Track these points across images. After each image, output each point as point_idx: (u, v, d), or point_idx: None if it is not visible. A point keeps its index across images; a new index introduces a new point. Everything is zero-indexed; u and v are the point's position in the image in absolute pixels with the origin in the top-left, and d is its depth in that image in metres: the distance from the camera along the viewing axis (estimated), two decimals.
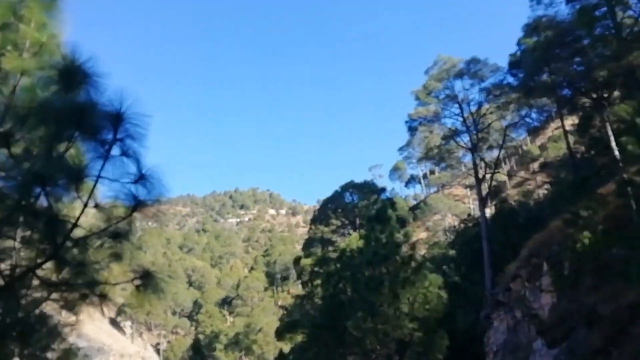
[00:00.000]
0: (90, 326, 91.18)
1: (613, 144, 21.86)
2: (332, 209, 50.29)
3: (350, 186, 50.21)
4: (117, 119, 4.70)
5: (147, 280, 6.61)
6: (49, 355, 10.83)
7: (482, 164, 37.05)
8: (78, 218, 5.33)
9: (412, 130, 41.52)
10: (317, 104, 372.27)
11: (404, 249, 20.05)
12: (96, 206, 5.65)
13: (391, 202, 30.59)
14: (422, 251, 44.76)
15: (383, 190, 50.46)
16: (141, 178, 5.03)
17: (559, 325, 23.01)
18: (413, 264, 20.03)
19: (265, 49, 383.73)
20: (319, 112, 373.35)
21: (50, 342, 10.65)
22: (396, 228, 19.98)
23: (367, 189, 48.47)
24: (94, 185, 5.07)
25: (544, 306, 25.59)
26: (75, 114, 4.70)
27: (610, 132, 22.36)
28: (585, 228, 20.57)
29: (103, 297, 7.38)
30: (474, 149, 36.36)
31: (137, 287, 6.65)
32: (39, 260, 5.88)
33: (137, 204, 5.18)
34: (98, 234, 5.99)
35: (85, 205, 5.22)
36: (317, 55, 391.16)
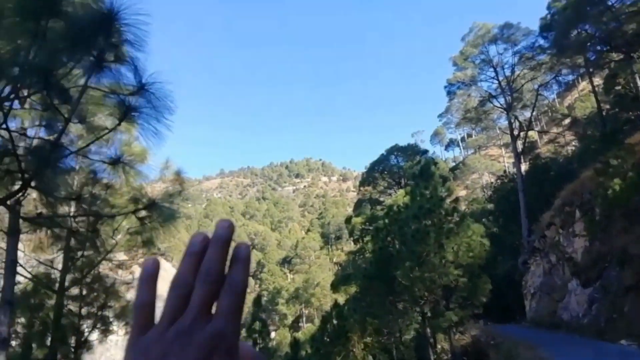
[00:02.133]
0: (166, 288, 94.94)
1: None
2: (379, 171, 49.91)
3: (395, 149, 49.38)
4: (109, 19, 3.27)
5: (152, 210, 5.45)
6: (107, 313, 10.68)
7: (517, 123, 36.40)
8: (59, 137, 4.02)
9: (450, 94, 41.05)
10: (364, 77, 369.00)
11: (447, 202, 19.97)
12: (81, 121, 4.33)
13: (433, 161, 30.47)
14: (462, 207, 44.62)
15: (425, 152, 50.06)
16: (141, 89, 3.65)
17: (592, 266, 22.80)
18: (456, 215, 19.98)
19: (310, 20, 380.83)
20: (366, 84, 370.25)
21: (108, 300, 10.44)
22: (439, 183, 19.84)
23: (411, 151, 47.65)
24: (79, 96, 3.68)
25: (577, 250, 25.33)
26: (48, 3, 3.21)
27: (639, 84, 21.47)
28: (616, 175, 20.19)
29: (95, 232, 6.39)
30: (508, 109, 35.67)
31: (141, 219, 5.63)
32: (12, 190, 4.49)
33: (127, 110, 3.78)
34: (82, 154, 4.55)
35: (68, 121, 3.86)
36: (362, 27, 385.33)
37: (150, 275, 0.52)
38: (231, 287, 0.49)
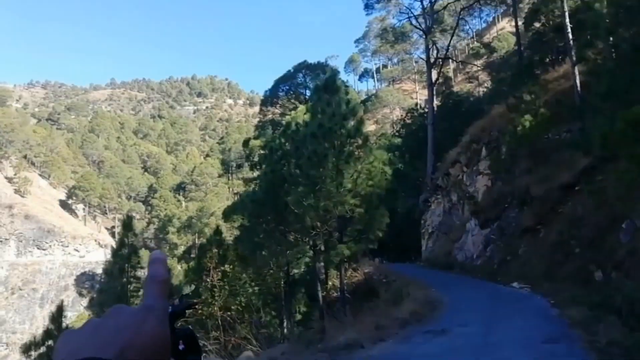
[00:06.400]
0: (39, 207, 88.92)
1: (568, 23, 20.27)
2: (284, 90, 47.53)
3: (303, 66, 47.20)
4: None
5: None
6: None
7: (434, 51, 35.67)
8: None
9: (369, 8, 39.09)
10: None
11: (351, 123, 18.60)
12: None
13: (345, 85, 28.64)
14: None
15: (337, 72, 48.47)
16: None
17: (492, 206, 22.96)
18: (359, 139, 18.75)
19: None
20: (282, 5, 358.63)
21: None
22: (344, 100, 18.38)
23: (321, 70, 44.69)
24: None
25: (479, 189, 25.53)
26: None
27: (566, 12, 20.68)
28: (527, 112, 19.95)
29: None
30: (427, 32, 34.74)
31: None
32: None
33: None
34: None
35: None
36: None
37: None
38: (153, 278, 0.66)
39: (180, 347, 5.44)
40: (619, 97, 9.28)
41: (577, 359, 7.63)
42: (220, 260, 22.78)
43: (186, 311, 6.02)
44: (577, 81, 18.24)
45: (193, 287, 21.23)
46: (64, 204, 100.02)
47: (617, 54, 10.26)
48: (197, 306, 8.57)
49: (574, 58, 18.52)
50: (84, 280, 77.19)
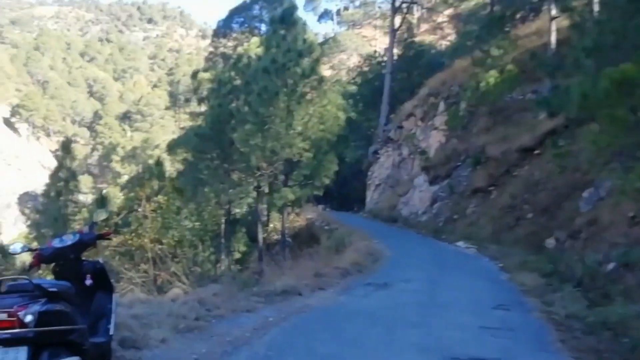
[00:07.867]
0: None
1: None
2: (238, 22, 45.08)
3: None
4: None
5: None
6: None
7: None
8: None
9: None
10: None
11: (307, 61, 17.27)
12: None
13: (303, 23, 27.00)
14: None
15: (295, 5, 45.97)
16: None
17: (444, 163, 22.31)
18: (314, 79, 17.46)
19: None
20: None
21: None
22: (301, 36, 17.02)
23: (278, 3, 42.75)
24: None
25: (432, 145, 24.80)
26: None
27: None
28: (493, 67, 19.01)
29: None
30: None
31: None
32: None
33: None
34: None
35: None
36: None
37: None
38: None
39: (88, 282, 4.11)
40: (605, 53, 8.41)
41: (532, 329, 6.93)
42: (157, 191, 21.66)
43: (97, 241, 4.66)
44: (553, 37, 17.32)
45: (122, 215, 20.05)
46: (7, 122, 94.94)
47: (606, 6, 9.34)
48: (111, 236, 6.71)
49: (553, 10, 17.47)
50: (26, 199, 74.24)
